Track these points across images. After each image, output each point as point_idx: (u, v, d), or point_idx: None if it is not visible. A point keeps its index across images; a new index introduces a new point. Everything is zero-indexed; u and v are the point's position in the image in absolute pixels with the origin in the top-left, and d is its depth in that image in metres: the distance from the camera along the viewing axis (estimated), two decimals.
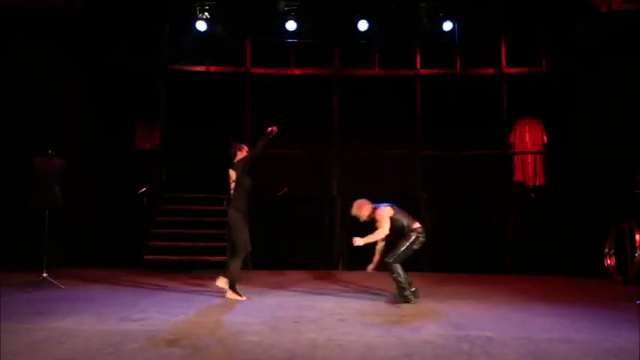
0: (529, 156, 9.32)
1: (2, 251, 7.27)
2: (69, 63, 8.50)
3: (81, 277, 6.94)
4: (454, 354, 3.48)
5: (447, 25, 8.94)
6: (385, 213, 5.49)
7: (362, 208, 5.61)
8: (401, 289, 5.40)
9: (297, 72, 9.37)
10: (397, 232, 5.50)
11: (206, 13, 8.79)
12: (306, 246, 8.66)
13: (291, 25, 8.90)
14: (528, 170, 9.31)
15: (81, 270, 7.50)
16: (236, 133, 9.07)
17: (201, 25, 8.82)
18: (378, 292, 6.19)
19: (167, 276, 7.18)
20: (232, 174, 5.65)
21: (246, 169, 5.58)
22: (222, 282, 5.61)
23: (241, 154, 5.69)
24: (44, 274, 6.05)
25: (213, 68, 9.33)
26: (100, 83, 8.93)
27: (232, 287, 5.51)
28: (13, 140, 7.64)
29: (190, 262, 7.87)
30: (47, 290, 5.80)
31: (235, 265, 5.51)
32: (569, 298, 6.01)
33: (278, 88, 9.37)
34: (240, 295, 5.50)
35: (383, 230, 5.43)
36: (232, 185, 5.64)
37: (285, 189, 8.96)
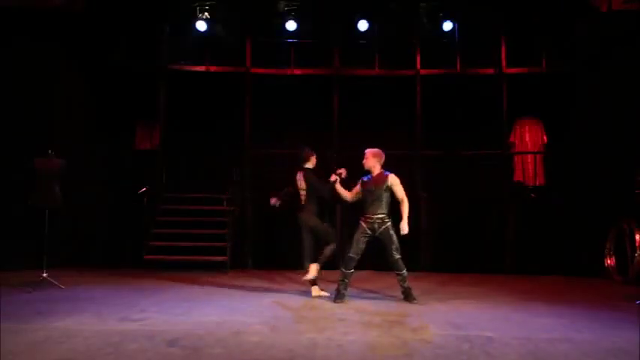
0: (529, 156, 9.32)
1: (2, 251, 7.26)
2: (69, 63, 8.50)
3: (81, 277, 6.94)
4: (454, 354, 3.48)
5: (447, 25, 8.93)
6: (399, 182, 5.48)
7: (378, 157, 5.54)
8: (405, 287, 5.46)
9: (297, 72, 9.36)
10: (374, 203, 5.42)
11: (206, 13, 8.78)
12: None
13: (291, 25, 8.89)
14: (528, 170, 9.31)
15: (81, 270, 7.50)
16: (236, 133, 9.14)
17: (201, 25, 8.82)
18: (378, 292, 6.19)
19: (167, 276, 7.18)
20: (301, 180, 5.80)
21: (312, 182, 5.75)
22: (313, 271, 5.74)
23: (312, 162, 5.89)
24: (44, 274, 6.05)
25: (213, 68, 9.32)
26: (100, 83, 8.93)
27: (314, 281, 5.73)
28: (13, 140, 7.63)
29: (190, 262, 7.87)
30: (47, 290, 5.80)
31: (330, 248, 5.72)
32: (569, 298, 6.01)
33: (278, 88, 9.36)
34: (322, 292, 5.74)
35: (406, 198, 5.42)
36: (302, 192, 5.81)
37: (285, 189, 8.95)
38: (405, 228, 5.31)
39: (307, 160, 5.89)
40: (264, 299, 5.60)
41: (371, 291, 6.26)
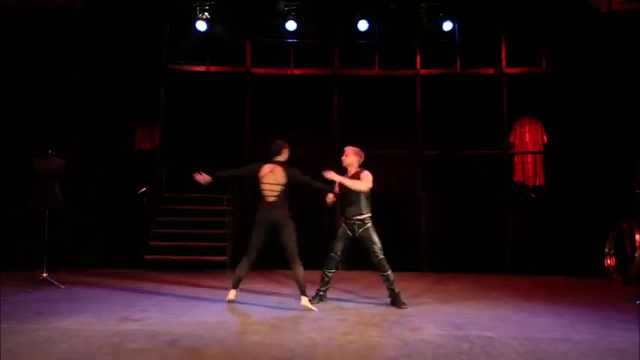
0: (529, 156, 9.32)
1: (2, 251, 7.26)
2: (69, 63, 8.49)
3: (81, 277, 6.94)
4: (454, 354, 3.48)
5: (447, 25, 8.94)
6: (370, 177, 5.27)
7: (358, 156, 5.37)
8: (392, 290, 5.27)
9: (297, 72, 9.37)
10: (351, 200, 5.25)
11: (206, 13, 8.79)
12: (306, 246, 8.64)
13: (291, 25, 8.90)
14: (528, 170, 9.31)
15: (81, 270, 7.49)
16: (236, 133, 9.14)
17: (201, 25, 8.82)
18: (378, 292, 6.18)
19: (167, 276, 7.18)
20: (279, 174, 5.23)
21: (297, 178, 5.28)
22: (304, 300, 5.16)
23: (284, 155, 5.37)
24: (44, 274, 6.05)
25: (213, 68, 9.33)
26: (100, 83, 8.93)
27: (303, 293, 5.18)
28: (13, 140, 7.63)
29: (190, 262, 7.87)
30: (47, 290, 5.79)
31: (297, 269, 5.23)
32: (569, 298, 6.01)
33: (278, 88, 9.37)
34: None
35: (364, 184, 5.18)
36: (273, 186, 5.22)
37: None
38: (329, 176, 5.16)
39: (280, 153, 5.34)
40: (264, 299, 5.60)
41: (371, 291, 6.25)
